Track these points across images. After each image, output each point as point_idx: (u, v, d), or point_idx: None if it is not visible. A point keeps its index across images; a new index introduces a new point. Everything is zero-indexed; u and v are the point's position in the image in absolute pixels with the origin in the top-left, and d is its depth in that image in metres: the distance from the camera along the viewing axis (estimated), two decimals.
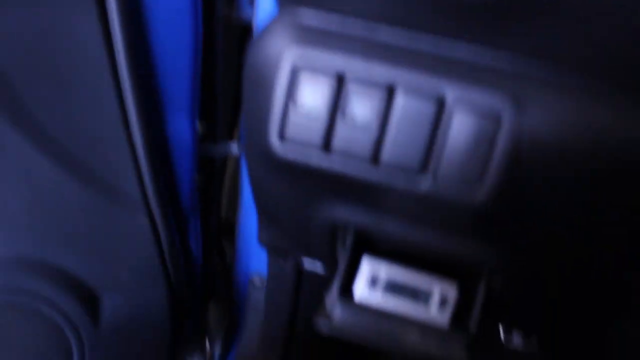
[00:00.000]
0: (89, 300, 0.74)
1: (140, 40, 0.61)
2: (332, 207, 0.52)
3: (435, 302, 0.53)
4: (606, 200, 0.45)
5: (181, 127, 0.71)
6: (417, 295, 0.54)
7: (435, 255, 0.55)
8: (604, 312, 0.56)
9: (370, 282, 0.54)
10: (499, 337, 1.01)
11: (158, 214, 0.71)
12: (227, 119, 0.81)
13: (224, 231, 0.96)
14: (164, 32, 0.62)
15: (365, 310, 0.53)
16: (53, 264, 0.72)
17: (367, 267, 0.54)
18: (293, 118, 0.46)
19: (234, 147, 0.78)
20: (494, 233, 0.48)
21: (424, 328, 0.53)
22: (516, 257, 0.50)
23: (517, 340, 1.01)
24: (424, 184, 0.45)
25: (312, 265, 0.72)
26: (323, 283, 0.80)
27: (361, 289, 0.54)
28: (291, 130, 0.46)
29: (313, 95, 0.45)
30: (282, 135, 0.47)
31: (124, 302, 0.76)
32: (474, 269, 0.54)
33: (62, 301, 0.72)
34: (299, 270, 0.83)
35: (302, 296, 0.86)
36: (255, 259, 0.88)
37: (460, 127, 0.43)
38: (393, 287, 0.54)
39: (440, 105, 0.43)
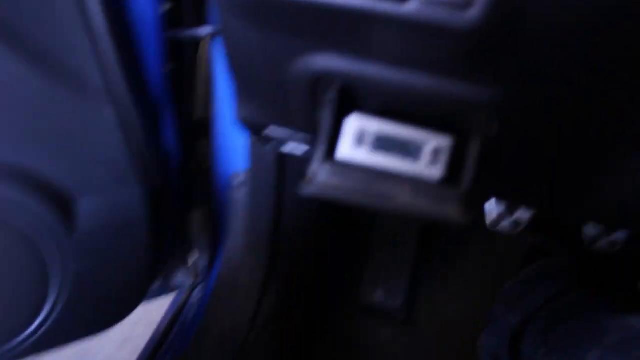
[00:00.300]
0: (63, 202, 0.69)
1: None
2: (311, 55, 0.48)
3: (428, 153, 0.50)
4: (623, 29, 0.41)
5: (144, 6, 0.66)
6: (407, 149, 0.50)
7: (426, 107, 0.51)
8: (601, 159, 0.53)
9: (356, 139, 0.50)
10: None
11: (126, 103, 0.66)
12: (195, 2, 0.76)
13: (199, 133, 0.93)
14: None
15: (351, 168, 0.50)
16: (18, 166, 0.67)
17: (353, 123, 0.51)
18: None
19: (203, 30, 0.73)
20: (488, 65, 0.45)
21: (416, 183, 0.49)
22: (511, 95, 0.47)
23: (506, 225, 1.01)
24: (410, 6, 0.41)
25: (294, 148, 0.68)
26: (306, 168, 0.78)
27: (347, 147, 0.50)
28: None
29: None
30: None
31: (100, 204, 0.72)
32: (468, 122, 0.51)
33: (33, 206, 0.68)
34: (282, 159, 0.80)
35: (287, 189, 0.84)
36: (234, 155, 0.85)
37: None
38: (381, 143, 0.50)
39: None
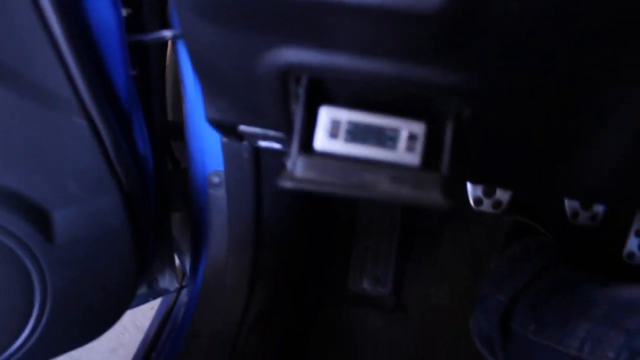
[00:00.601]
0: (39, 217, 0.68)
1: None
2: (276, 50, 0.47)
3: (404, 140, 0.49)
4: (578, 10, 0.41)
5: (104, 14, 0.66)
6: (383, 136, 0.50)
7: (396, 97, 0.51)
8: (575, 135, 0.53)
9: (330, 130, 0.50)
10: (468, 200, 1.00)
11: (95, 112, 0.65)
12: (155, 4, 0.75)
13: (173, 135, 0.91)
14: None
15: (328, 159, 0.49)
16: None
17: (325, 115, 0.50)
18: None
19: (166, 33, 0.72)
20: (456, 49, 0.44)
21: (395, 170, 0.49)
22: (481, 78, 0.47)
23: (487, 205, 1.01)
24: None
25: (268, 144, 0.67)
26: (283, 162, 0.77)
27: (321, 139, 0.50)
28: None
29: None
30: None
31: (77, 214, 0.71)
32: (440, 107, 0.50)
33: (8, 222, 0.66)
34: (257, 155, 0.79)
35: (265, 184, 0.83)
36: (209, 156, 0.84)
37: None
38: (356, 132, 0.50)
39: None
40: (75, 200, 0.70)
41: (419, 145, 0.50)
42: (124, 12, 0.68)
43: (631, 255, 1.03)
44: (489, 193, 0.94)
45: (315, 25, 0.44)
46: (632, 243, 1.03)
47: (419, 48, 0.44)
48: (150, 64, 0.77)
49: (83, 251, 0.72)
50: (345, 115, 0.49)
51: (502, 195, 0.93)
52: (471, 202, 0.95)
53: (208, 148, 0.83)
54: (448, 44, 0.43)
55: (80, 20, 0.64)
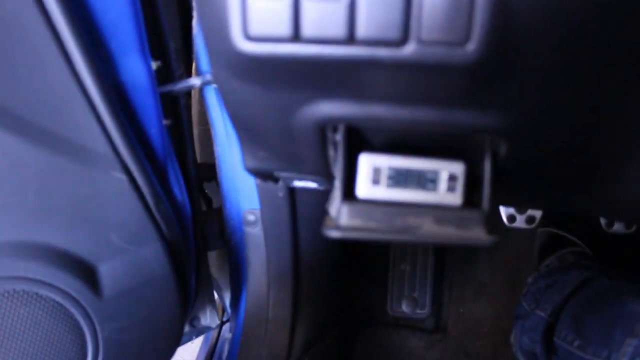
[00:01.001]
0: (86, 272, 0.70)
1: None
2: (314, 104, 0.48)
3: (444, 181, 0.50)
4: (607, 38, 0.42)
5: (135, 69, 0.67)
6: (423, 179, 0.50)
7: (433, 138, 0.51)
8: (608, 159, 0.54)
9: (372, 177, 0.51)
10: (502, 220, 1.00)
11: (133, 165, 0.67)
12: (180, 53, 0.77)
13: (205, 175, 0.93)
14: None
15: (372, 206, 0.50)
16: (38, 243, 0.68)
17: (365, 163, 0.51)
18: (254, 11, 0.42)
19: (195, 81, 0.74)
20: (491, 93, 0.45)
21: (438, 211, 0.49)
22: (517, 118, 0.47)
23: (520, 222, 1.01)
24: (408, 49, 0.41)
25: (304, 184, 0.69)
26: (320, 201, 0.78)
27: (364, 186, 0.51)
28: (254, 24, 0.42)
29: None
30: (245, 33, 0.43)
31: (122, 266, 0.72)
32: (476, 146, 0.51)
33: (58, 280, 0.68)
34: (292, 193, 0.80)
35: (300, 219, 0.84)
36: (244, 195, 0.85)
37: None
38: (397, 177, 0.50)
39: None
40: (119, 252, 0.71)
41: (459, 186, 0.50)
42: (154, 65, 0.69)
43: None
44: (522, 210, 0.94)
45: (351, 80, 0.45)
46: None
47: (454, 95, 0.45)
48: (180, 112, 0.79)
49: (130, 300, 0.74)
50: (386, 162, 0.50)
51: (535, 211, 0.93)
52: (504, 219, 0.96)
53: (242, 187, 0.84)
54: (482, 89, 0.44)
55: (114, 77, 0.66)
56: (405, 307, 1.22)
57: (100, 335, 0.72)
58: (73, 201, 0.67)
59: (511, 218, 0.96)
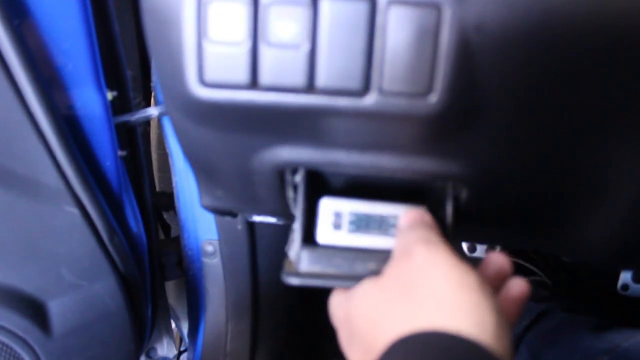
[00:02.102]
0: (35, 309, 0.67)
1: (21, 17, 0.56)
2: (272, 149, 0.47)
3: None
4: (566, 87, 0.41)
5: (90, 100, 0.65)
6: (385, 224, 0.50)
7: (395, 183, 0.51)
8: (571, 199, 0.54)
9: (333, 222, 0.49)
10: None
11: (86, 199, 0.65)
12: (138, 80, 0.75)
13: (163, 204, 0.91)
14: (48, 4, 0.58)
15: (332, 251, 0.49)
16: None
17: (327, 207, 0.50)
18: (210, 57, 0.40)
19: (152, 111, 0.72)
20: (452, 142, 0.44)
21: None
22: (479, 165, 0.47)
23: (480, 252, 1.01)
24: (369, 100, 0.40)
25: (263, 217, 0.67)
26: (279, 233, 0.77)
27: (325, 231, 0.50)
28: (211, 71, 0.41)
29: (228, 25, 0.39)
30: (201, 79, 0.41)
31: (74, 302, 0.70)
32: (438, 191, 0.51)
33: (3, 319, 0.65)
34: (251, 225, 0.79)
35: (260, 251, 0.82)
36: (202, 225, 0.83)
37: (398, 25, 0.38)
38: (358, 222, 0.49)
39: (372, 3, 0.38)
40: (71, 287, 0.69)
41: None
42: (110, 95, 0.67)
43: (626, 287, 1.04)
44: None
45: (311, 127, 0.44)
46: (626, 275, 1.04)
47: (415, 144, 0.44)
48: (137, 142, 0.77)
49: (81, 338, 0.71)
50: (347, 206, 0.49)
51: None
52: (465, 249, 0.96)
53: (200, 218, 0.82)
54: (444, 138, 0.44)
55: (67, 108, 0.64)
56: None
57: None
58: (22, 236, 0.65)
59: (472, 248, 0.96)
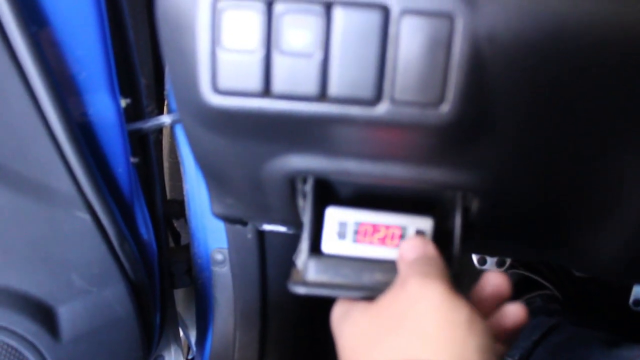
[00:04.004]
0: (44, 314, 0.67)
1: (39, 25, 0.57)
2: (283, 157, 0.47)
3: (412, 237, 0.49)
4: (578, 98, 0.41)
5: (104, 107, 0.66)
6: (389, 235, 0.50)
7: (404, 192, 0.51)
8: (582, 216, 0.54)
9: (339, 232, 0.49)
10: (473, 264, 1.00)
11: (98, 205, 0.65)
12: (152, 89, 0.76)
13: (174, 212, 0.91)
14: (65, 12, 0.58)
15: (340, 261, 0.49)
16: None
17: (332, 217, 0.50)
18: (223, 64, 0.41)
19: (165, 119, 0.72)
20: (464, 152, 0.44)
21: None
22: (490, 176, 0.47)
23: (490, 264, 1.01)
24: (380, 109, 0.41)
25: (273, 226, 0.67)
26: (289, 242, 0.77)
27: (330, 241, 0.50)
28: (224, 78, 0.41)
29: (241, 34, 0.40)
30: (215, 87, 0.42)
31: (83, 308, 0.70)
32: (447, 201, 0.51)
33: (14, 323, 0.66)
34: (261, 234, 0.79)
35: (269, 260, 0.82)
36: (212, 234, 0.83)
37: (410, 35, 0.38)
38: (362, 233, 0.49)
39: (385, 13, 0.38)
40: (81, 293, 0.69)
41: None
42: (123, 102, 0.68)
43: (638, 302, 1.03)
44: None
45: (322, 136, 0.44)
46: (638, 290, 1.03)
47: (426, 153, 0.45)
48: (149, 149, 0.77)
49: (90, 343, 0.71)
50: (352, 216, 0.49)
51: None
52: (475, 262, 0.95)
53: (210, 226, 0.83)
54: (455, 148, 0.44)
55: (80, 114, 0.64)
56: None
57: None
58: (33, 241, 0.65)
59: (482, 260, 0.96)
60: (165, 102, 0.79)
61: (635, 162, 0.46)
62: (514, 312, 0.46)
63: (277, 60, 0.40)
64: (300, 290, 0.48)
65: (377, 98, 0.40)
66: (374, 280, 0.48)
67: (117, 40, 0.67)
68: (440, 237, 0.50)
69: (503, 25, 0.38)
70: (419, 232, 0.49)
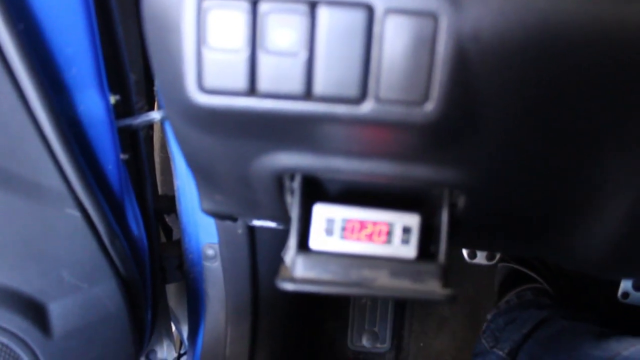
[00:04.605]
0: (35, 311, 0.68)
1: (25, 22, 0.56)
2: (270, 154, 0.48)
3: (398, 234, 0.50)
4: (564, 96, 0.42)
5: (93, 104, 0.65)
6: (376, 232, 0.50)
7: (391, 189, 0.51)
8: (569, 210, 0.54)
9: (326, 228, 0.50)
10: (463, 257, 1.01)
11: (88, 202, 0.65)
12: (141, 84, 0.76)
13: (165, 208, 0.91)
14: (52, 9, 0.58)
15: (327, 257, 0.49)
16: None
17: (320, 214, 0.50)
18: (209, 63, 0.41)
19: (155, 115, 0.72)
20: (450, 149, 0.45)
21: (394, 264, 0.49)
22: (476, 172, 0.47)
23: (480, 258, 1.02)
24: (365, 107, 0.41)
25: (263, 221, 0.68)
26: (279, 237, 0.77)
27: (318, 238, 0.50)
28: (210, 77, 0.41)
29: (227, 33, 0.40)
30: (200, 86, 0.42)
31: (74, 304, 0.70)
32: (434, 198, 0.51)
33: (3, 320, 0.66)
34: (252, 230, 0.79)
35: (260, 255, 0.83)
36: (203, 229, 0.84)
37: (395, 34, 0.38)
38: (350, 229, 0.50)
39: (369, 12, 0.38)
40: (71, 290, 0.69)
41: (413, 238, 0.50)
42: (112, 99, 0.68)
43: (626, 295, 1.04)
44: None
45: (309, 134, 0.44)
46: (626, 283, 1.04)
47: (412, 151, 0.45)
48: (139, 146, 0.77)
49: (81, 340, 0.71)
50: (340, 213, 0.50)
51: None
52: (465, 256, 0.96)
53: (201, 221, 0.83)
54: (441, 146, 0.44)
55: (69, 112, 0.64)
56: (365, 342, 1.21)
57: None
58: (23, 238, 0.65)
59: (472, 254, 0.96)
60: (156, 99, 0.78)
61: (621, 159, 0.47)
62: None
63: (263, 60, 0.40)
64: (289, 286, 0.48)
65: (362, 97, 0.41)
66: (361, 277, 0.48)
67: (105, 36, 0.67)
68: (428, 233, 0.51)
69: (488, 24, 0.38)
70: (406, 229, 0.50)
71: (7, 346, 0.66)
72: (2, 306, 0.65)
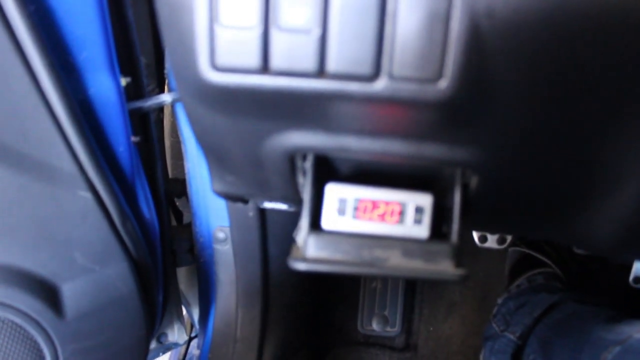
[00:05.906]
0: (48, 292, 0.68)
1: (37, 4, 0.56)
2: (283, 133, 0.48)
3: (411, 214, 0.50)
4: (578, 74, 0.41)
5: (104, 86, 0.66)
6: (388, 211, 0.50)
7: (403, 169, 0.51)
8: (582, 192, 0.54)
9: (338, 208, 0.50)
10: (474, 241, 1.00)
11: (99, 183, 0.65)
12: (152, 67, 0.76)
13: (176, 191, 0.91)
14: None
15: (339, 237, 0.49)
16: None
17: (332, 193, 0.50)
18: (222, 41, 0.41)
19: (166, 97, 0.72)
20: (463, 128, 0.44)
21: (406, 244, 0.49)
22: (489, 151, 0.47)
23: (491, 242, 1.01)
24: (379, 85, 0.41)
25: (274, 203, 0.68)
26: (290, 220, 0.77)
27: (330, 218, 0.50)
28: (222, 55, 0.41)
29: (239, 10, 0.40)
30: (213, 64, 0.42)
31: (86, 285, 0.70)
32: (447, 178, 0.51)
33: (18, 301, 0.66)
34: (262, 212, 0.79)
35: (270, 238, 0.83)
36: (214, 212, 0.84)
37: (408, 10, 0.38)
38: (362, 209, 0.50)
39: None
40: (84, 271, 0.70)
41: (426, 218, 0.50)
42: (123, 81, 0.68)
43: (638, 279, 1.04)
44: None
45: (321, 112, 0.44)
46: (638, 268, 1.04)
47: (425, 129, 0.45)
48: (150, 128, 0.77)
49: (93, 321, 0.72)
50: (352, 193, 0.49)
51: None
52: (476, 239, 0.95)
53: (212, 205, 0.83)
54: (454, 124, 0.44)
55: (81, 94, 0.64)
56: (375, 325, 1.21)
57: (61, 357, 0.70)
58: (36, 220, 0.65)
59: (482, 238, 0.96)
60: (166, 81, 0.78)
61: (637, 139, 0.46)
62: None
63: (275, 37, 0.40)
64: (301, 266, 0.48)
65: (376, 74, 0.40)
66: (373, 257, 0.48)
67: (116, 19, 0.67)
68: (440, 214, 0.50)
69: (502, 1, 0.38)
70: (419, 209, 0.50)
71: (21, 327, 0.67)
72: (16, 287, 0.65)
